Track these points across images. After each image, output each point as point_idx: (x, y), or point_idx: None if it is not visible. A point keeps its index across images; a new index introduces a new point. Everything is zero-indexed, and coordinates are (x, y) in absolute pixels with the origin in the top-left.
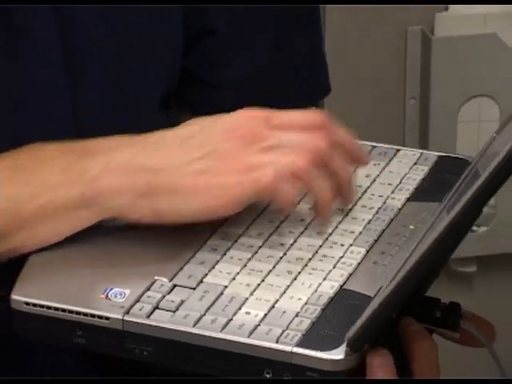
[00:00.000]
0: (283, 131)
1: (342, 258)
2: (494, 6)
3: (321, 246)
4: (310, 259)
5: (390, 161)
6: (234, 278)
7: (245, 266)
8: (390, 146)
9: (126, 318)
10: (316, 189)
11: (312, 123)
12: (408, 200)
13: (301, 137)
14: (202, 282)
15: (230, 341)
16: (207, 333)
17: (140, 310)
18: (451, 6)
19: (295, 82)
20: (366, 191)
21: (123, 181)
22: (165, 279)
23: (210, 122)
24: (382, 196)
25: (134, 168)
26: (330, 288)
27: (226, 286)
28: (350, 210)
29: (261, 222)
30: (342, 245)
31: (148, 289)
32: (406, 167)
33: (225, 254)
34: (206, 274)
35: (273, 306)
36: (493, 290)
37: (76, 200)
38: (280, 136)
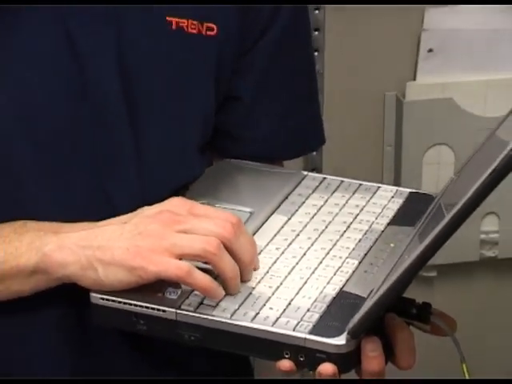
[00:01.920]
0: (198, 219)
1: (340, 267)
2: (451, 76)
3: (324, 258)
4: (316, 268)
5: (373, 195)
6: (259, 282)
7: (267, 272)
8: (373, 184)
9: (178, 310)
10: (221, 270)
11: (225, 218)
12: (388, 224)
13: (209, 223)
14: None
15: (257, 329)
16: (240, 323)
17: (189, 304)
18: (418, 77)
19: (300, 136)
20: (356, 217)
21: (70, 257)
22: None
23: (144, 210)
24: (368, 221)
25: (79, 246)
26: (332, 290)
27: (253, 288)
28: (345, 231)
29: (277, 239)
30: (340, 257)
31: None
32: (386, 200)
33: None
34: None
35: (289, 303)
36: (450, 292)
37: (32, 268)
38: (193, 222)
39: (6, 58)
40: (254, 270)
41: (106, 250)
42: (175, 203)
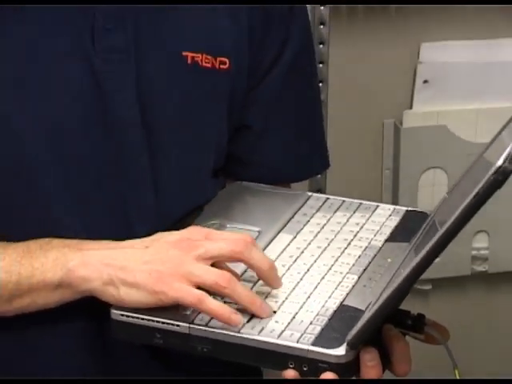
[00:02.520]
0: (212, 241)
1: (341, 282)
2: (445, 105)
3: (326, 274)
4: (319, 283)
5: (372, 213)
6: (266, 297)
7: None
8: (372, 203)
9: (192, 325)
10: (236, 300)
11: (238, 237)
12: (386, 241)
13: (221, 242)
14: None
15: (264, 341)
16: (249, 336)
17: (201, 319)
18: (415, 106)
19: (306, 160)
20: (356, 235)
21: (93, 273)
22: (218, 298)
23: (165, 236)
24: (367, 238)
25: (103, 264)
26: (333, 304)
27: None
28: (346, 248)
29: (284, 256)
30: (341, 273)
31: None
32: (384, 218)
33: (259, 280)
34: None
35: (294, 317)
36: (444, 303)
37: (58, 282)
38: (207, 245)
39: (33, 84)
40: (278, 288)
41: (129, 271)
42: (193, 231)
